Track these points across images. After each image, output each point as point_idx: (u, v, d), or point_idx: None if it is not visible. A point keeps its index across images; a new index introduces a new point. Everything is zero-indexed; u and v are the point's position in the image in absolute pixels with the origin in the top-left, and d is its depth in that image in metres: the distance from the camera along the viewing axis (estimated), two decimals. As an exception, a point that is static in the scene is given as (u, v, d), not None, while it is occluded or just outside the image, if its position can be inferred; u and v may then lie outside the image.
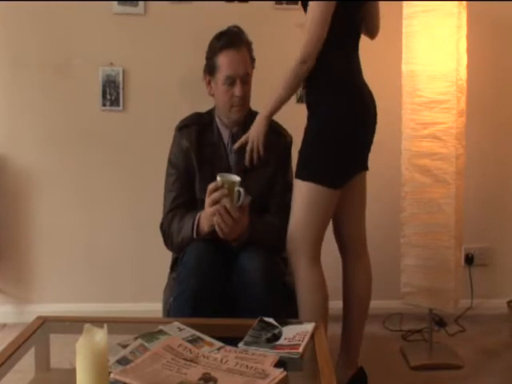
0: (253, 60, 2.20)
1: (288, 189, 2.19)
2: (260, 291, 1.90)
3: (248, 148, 2.11)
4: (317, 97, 2.13)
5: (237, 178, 1.96)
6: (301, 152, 2.14)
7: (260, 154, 2.10)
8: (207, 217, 1.98)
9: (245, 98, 2.14)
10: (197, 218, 2.04)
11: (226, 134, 2.19)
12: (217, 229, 1.96)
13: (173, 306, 1.97)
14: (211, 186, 1.95)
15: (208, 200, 1.95)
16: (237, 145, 2.13)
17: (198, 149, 2.16)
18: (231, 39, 2.13)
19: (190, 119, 2.23)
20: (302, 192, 2.10)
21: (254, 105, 2.26)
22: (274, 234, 2.12)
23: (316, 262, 2.14)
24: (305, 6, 2.10)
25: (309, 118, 2.16)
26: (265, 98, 2.24)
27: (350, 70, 2.14)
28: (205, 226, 2.01)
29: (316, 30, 2.01)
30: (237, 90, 2.11)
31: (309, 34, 2.02)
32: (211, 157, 2.16)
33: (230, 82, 2.10)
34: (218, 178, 1.94)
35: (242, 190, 1.94)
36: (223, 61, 2.11)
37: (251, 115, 2.21)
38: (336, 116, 2.08)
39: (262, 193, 2.16)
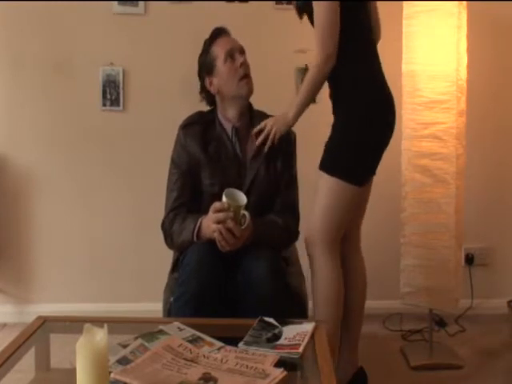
0: None
1: (292, 186, 2.22)
2: (266, 291, 1.90)
3: (263, 135, 2.14)
4: (343, 95, 2.16)
5: (243, 201, 1.96)
6: (329, 146, 2.16)
7: (272, 143, 2.14)
8: (209, 230, 1.98)
9: (248, 67, 2.18)
10: (198, 223, 2.04)
11: (229, 128, 2.20)
12: (218, 245, 1.97)
13: (173, 307, 1.97)
14: (217, 205, 1.95)
15: (212, 216, 1.96)
16: (255, 130, 2.16)
17: (204, 145, 2.16)
18: (218, 31, 2.20)
19: (194, 117, 2.24)
20: (328, 186, 2.13)
21: (256, 105, 2.26)
22: (277, 233, 2.12)
23: (333, 256, 2.17)
24: (300, 13, 2.13)
25: (336, 114, 2.18)
26: (265, 98, 2.26)
27: (373, 67, 2.17)
28: (206, 234, 2.02)
29: (327, 33, 2.04)
30: (238, 60, 2.15)
31: (321, 39, 2.04)
32: (217, 150, 2.17)
33: (231, 55, 2.15)
34: (224, 199, 1.94)
35: (247, 213, 1.95)
36: (217, 46, 2.17)
37: (251, 111, 2.24)
38: (362, 114, 2.11)
39: (269, 190, 2.17)
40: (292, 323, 1.75)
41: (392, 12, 2.73)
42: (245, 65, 2.16)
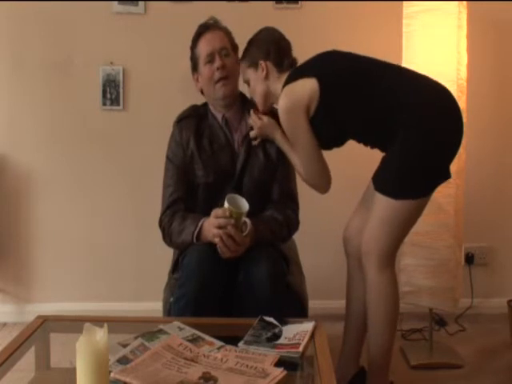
0: (234, 46, 2.23)
1: (290, 175, 2.24)
2: (266, 294, 1.90)
3: (253, 134, 2.19)
4: (397, 124, 2.04)
5: (245, 208, 1.96)
6: (395, 173, 2.05)
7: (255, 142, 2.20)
8: (210, 234, 1.98)
9: (225, 69, 2.16)
10: (199, 225, 2.03)
11: (219, 117, 2.23)
12: (219, 251, 1.96)
13: (174, 308, 1.97)
14: (219, 212, 1.95)
15: (214, 221, 1.95)
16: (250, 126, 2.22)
17: (198, 136, 2.19)
18: (205, 26, 2.21)
19: (188, 111, 2.27)
20: (393, 207, 2.04)
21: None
22: (278, 231, 2.13)
23: (392, 270, 2.11)
24: None
25: (397, 138, 2.03)
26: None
27: (405, 86, 2.09)
28: (207, 237, 2.01)
29: (315, 172, 2.13)
30: (216, 63, 2.15)
31: (308, 174, 2.13)
32: (210, 139, 2.19)
33: (210, 59, 2.16)
34: (226, 205, 1.94)
35: (248, 220, 1.95)
36: (201, 46, 2.18)
37: (244, 99, 2.27)
38: (428, 135, 2.02)
39: (263, 175, 2.18)
40: (292, 322, 1.75)
41: (392, 12, 2.74)
42: (222, 68, 2.14)
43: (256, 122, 2.19)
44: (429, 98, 2.06)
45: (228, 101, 2.19)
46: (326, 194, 2.18)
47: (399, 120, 2.03)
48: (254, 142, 2.19)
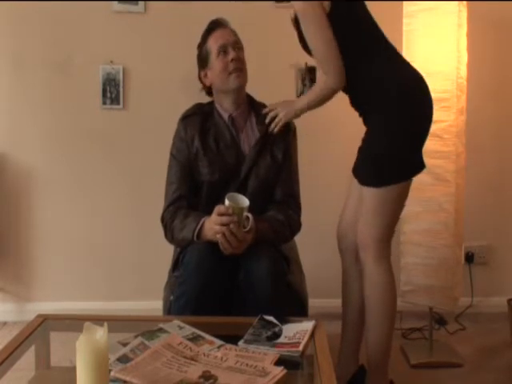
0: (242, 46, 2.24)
1: (293, 176, 2.24)
2: (267, 293, 1.90)
3: (269, 117, 2.20)
4: (373, 103, 2.11)
5: (245, 203, 1.96)
6: (370, 160, 2.12)
7: (275, 126, 2.19)
8: (211, 231, 1.98)
9: (239, 61, 2.17)
10: (200, 223, 2.03)
11: (226, 117, 2.23)
12: (221, 247, 1.96)
13: (174, 306, 1.97)
14: (222, 209, 1.95)
15: (215, 219, 1.95)
16: (265, 110, 2.22)
17: (203, 134, 2.19)
18: (215, 23, 2.22)
19: (193, 109, 2.27)
20: (379, 196, 2.09)
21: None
22: (280, 231, 2.13)
23: (388, 260, 2.15)
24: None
25: (371, 122, 2.12)
26: (265, 96, 2.26)
27: (392, 64, 2.14)
28: (207, 236, 2.01)
29: (331, 62, 2.06)
30: (230, 55, 2.15)
31: (327, 68, 2.07)
32: (216, 138, 2.19)
33: (223, 50, 2.16)
34: (227, 203, 1.94)
35: (250, 215, 1.95)
36: (212, 40, 2.19)
37: (252, 101, 2.26)
38: (401, 120, 2.07)
39: (268, 176, 2.18)
40: (292, 321, 1.75)
41: (392, 10, 2.74)
42: (236, 59, 2.16)
43: (276, 104, 2.20)
44: (404, 88, 2.11)
45: (238, 94, 2.20)
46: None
47: (375, 101, 2.09)
48: (276, 129, 2.18)
